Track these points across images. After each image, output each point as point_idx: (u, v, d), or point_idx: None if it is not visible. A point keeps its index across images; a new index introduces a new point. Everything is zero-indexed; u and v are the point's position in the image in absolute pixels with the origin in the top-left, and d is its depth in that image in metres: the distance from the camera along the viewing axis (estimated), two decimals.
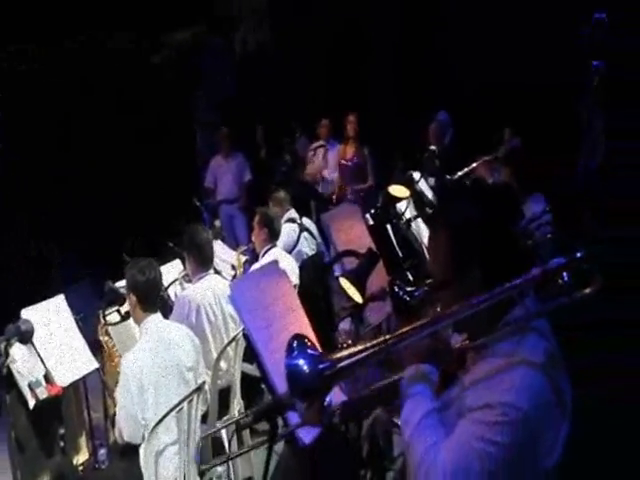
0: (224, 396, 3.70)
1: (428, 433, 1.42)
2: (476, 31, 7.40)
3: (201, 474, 3.30)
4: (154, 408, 2.79)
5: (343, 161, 6.57)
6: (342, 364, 1.42)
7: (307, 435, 2.11)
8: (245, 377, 3.94)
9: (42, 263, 6.58)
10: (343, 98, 7.41)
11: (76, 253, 6.63)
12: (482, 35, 7.34)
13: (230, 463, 3.60)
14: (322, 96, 8.09)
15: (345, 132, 6.67)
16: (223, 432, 3.62)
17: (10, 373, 2.91)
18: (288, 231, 5.04)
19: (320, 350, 1.48)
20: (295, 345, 1.44)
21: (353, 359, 1.43)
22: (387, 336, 1.46)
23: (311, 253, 5.15)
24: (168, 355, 2.94)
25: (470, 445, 1.34)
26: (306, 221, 5.38)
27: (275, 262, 2.25)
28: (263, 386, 4.55)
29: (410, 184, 3.76)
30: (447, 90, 7.15)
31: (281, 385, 2.05)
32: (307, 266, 4.80)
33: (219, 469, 3.81)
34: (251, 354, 4.14)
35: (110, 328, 3.44)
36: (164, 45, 9.57)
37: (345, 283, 2.32)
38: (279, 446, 4.05)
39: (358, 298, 2.32)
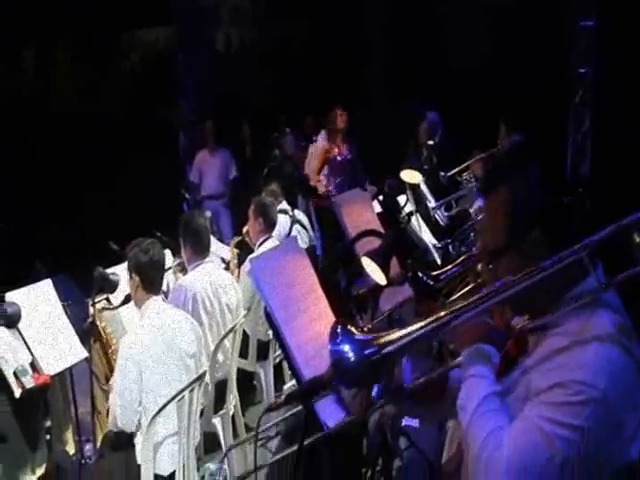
0: (220, 389, 3.55)
1: (489, 417, 1.26)
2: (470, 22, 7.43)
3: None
4: (154, 393, 2.63)
5: (339, 157, 6.40)
6: (390, 348, 1.27)
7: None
8: (237, 372, 3.79)
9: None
10: (330, 92, 7.30)
11: (62, 243, 6.42)
12: (475, 25, 7.37)
13: (226, 460, 3.45)
14: (307, 91, 7.99)
15: (334, 126, 6.47)
16: (218, 426, 3.46)
17: None
18: (280, 222, 4.91)
19: (367, 335, 1.32)
20: (339, 330, 1.31)
21: (403, 341, 1.28)
22: (441, 313, 1.31)
23: (303, 245, 5.02)
24: (169, 340, 2.77)
25: (538, 429, 1.18)
26: (298, 213, 5.26)
27: (294, 238, 2.11)
28: (255, 382, 4.43)
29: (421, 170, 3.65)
30: (438, 85, 7.13)
31: (305, 367, 1.91)
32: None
33: (212, 466, 3.65)
34: (245, 347, 4.10)
35: (102, 317, 3.24)
36: (141, 44, 9.44)
37: (368, 263, 2.18)
38: (273, 443, 3.94)
39: (382, 279, 2.19)
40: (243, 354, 4.06)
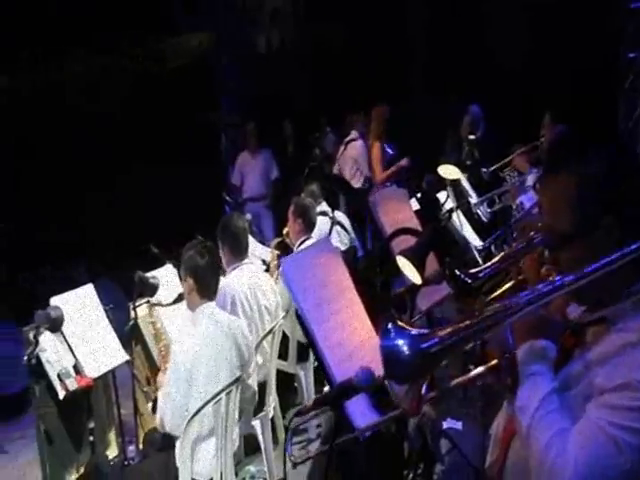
0: (259, 391, 3.53)
1: (552, 419, 1.21)
2: (512, 18, 7.25)
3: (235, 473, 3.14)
4: (199, 402, 2.61)
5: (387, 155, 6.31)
6: (448, 341, 1.23)
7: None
8: (277, 373, 3.76)
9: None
10: (370, 90, 7.22)
11: (102, 247, 6.56)
12: (518, 21, 7.20)
13: (265, 462, 3.44)
14: (349, 91, 7.94)
15: (381, 126, 6.38)
16: (257, 428, 3.45)
17: (39, 363, 2.77)
18: (320, 224, 4.87)
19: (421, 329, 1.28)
20: (391, 326, 1.26)
21: (462, 334, 1.24)
22: (497, 307, 1.25)
23: (343, 248, 4.97)
24: (222, 348, 2.75)
25: (606, 433, 1.13)
26: (338, 214, 5.21)
27: (327, 239, 2.06)
28: (295, 384, 4.41)
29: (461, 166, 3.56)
30: (483, 77, 6.98)
31: (337, 369, 1.87)
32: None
33: (252, 469, 3.64)
34: (285, 349, 4.07)
35: (143, 317, 3.29)
36: (182, 48, 9.59)
37: (402, 262, 2.13)
38: (314, 446, 3.90)
39: (417, 279, 2.13)
40: (283, 356, 4.04)
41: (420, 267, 2.13)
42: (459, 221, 3.91)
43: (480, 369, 1.52)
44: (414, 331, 1.23)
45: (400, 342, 1.20)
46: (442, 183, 3.71)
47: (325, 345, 1.86)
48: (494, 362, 1.46)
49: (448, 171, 3.41)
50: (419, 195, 3.46)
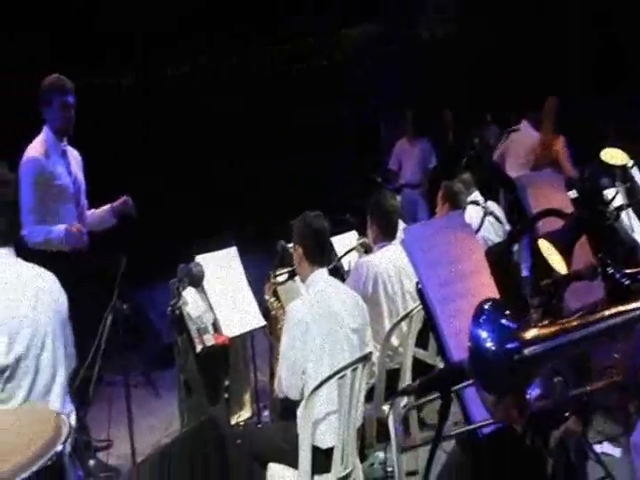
0: (393, 378, 3.42)
1: None
2: None
3: (363, 456, 3.09)
4: (316, 364, 2.61)
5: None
6: (539, 348, 0.95)
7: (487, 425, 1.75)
8: (417, 363, 3.62)
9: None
10: (534, 85, 6.85)
11: (253, 227, 6.92)
12: None
13: (394, 450, 3.34)
14: (511, 83, 7.60)
15: (554, 118, 6.07)
16: (390, 416, 3.35)
17: (181, 316, 2.95)
18: (471, 214, 4.64)
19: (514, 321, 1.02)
20: (488, 308, 0.99)
21: (557, 342, 0.96)
22: (611, 311, 0.98)
23: (497, 239, 4.70)
24: (333, 309, 2.73)
25: None
26: (492, 205, 4.94)
27: (460, 213, 1.93)
28: None
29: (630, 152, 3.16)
30: None
31: (457, 352, 1.75)
32: (492, 254, 4.38)
33: (381, 455, 3.56)
34: (427, 338, 3.92)
35: (280, 290, 3.36)
36: (352, 38, 9.82)
37: (545, 245, 1.92)
38: (447, 444, 3.71)
39: (562, 267, 1.91)
40: (424, 345, 3.90)
41: (566, 255, 1.91)
42: (629, 221, 3.51)
43: (598, 384, 1.25)
44: (506, 320, 0.95)
45: (484, 334, 0.93)
46: (609, 175, 3.33)
47: (448, 328, 1.74)
48: (617, 378, 1.18)
49: (613, 156, 3.03)
50: (579, 184, 3.14)
